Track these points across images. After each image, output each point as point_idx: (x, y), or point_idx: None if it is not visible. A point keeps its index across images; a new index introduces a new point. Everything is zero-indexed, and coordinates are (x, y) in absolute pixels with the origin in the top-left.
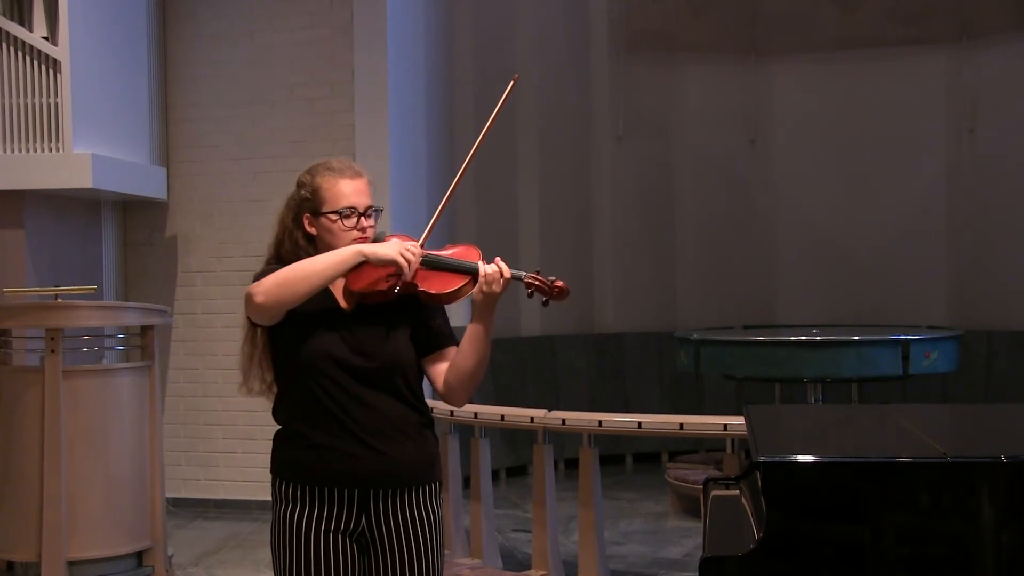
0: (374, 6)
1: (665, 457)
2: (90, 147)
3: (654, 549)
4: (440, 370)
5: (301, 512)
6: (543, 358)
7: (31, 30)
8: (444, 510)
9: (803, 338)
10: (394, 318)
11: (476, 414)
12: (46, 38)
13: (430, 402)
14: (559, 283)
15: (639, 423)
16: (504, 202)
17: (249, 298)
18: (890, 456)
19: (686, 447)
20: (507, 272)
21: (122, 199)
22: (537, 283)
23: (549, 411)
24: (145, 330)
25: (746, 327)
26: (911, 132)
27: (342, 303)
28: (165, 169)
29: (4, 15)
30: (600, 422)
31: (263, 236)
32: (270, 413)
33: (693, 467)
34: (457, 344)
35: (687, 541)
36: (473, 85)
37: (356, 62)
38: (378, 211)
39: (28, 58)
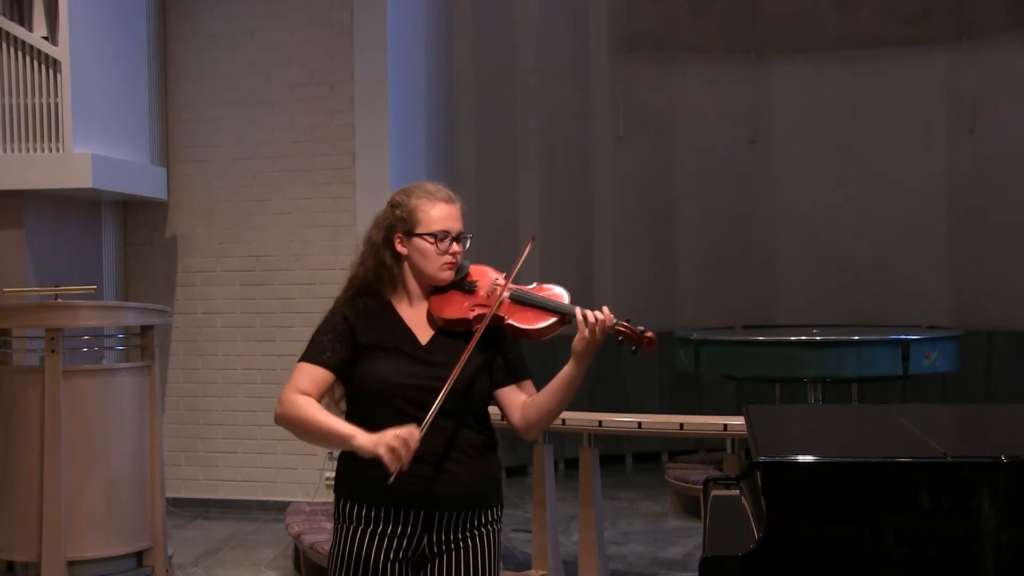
0: (374, 6)
1: (665, 457)
2: (90, 147)
3: (654, 549)
4: (516, 402)
5: (364, 533)
6: (543, 358)
7: (31, 30)
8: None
9: (803, 338)
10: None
11: None
12: (46, 38)
13: None
14: (649, 334)
15: (639, 423)
16: (504, 202)
17: (280, 399)
18: (890, 456)
19: (686, 447)
20: (611, 320)
21: (122, 199)
22: (626, 331)
23: None
24: (145, 330)
25: (746, 327)
26: (911, 132)
27: (416, 334)
28: (165, 169)
29: (4, 15)
30: (600, 422)
31: (263, 236)
32: (270, 413)
33: (693, 467)
34: (531, 377)
35: (687, 541)
36: (473, 85)
37: (356, 62)
38: (469, 237)
39: (28, 58)
